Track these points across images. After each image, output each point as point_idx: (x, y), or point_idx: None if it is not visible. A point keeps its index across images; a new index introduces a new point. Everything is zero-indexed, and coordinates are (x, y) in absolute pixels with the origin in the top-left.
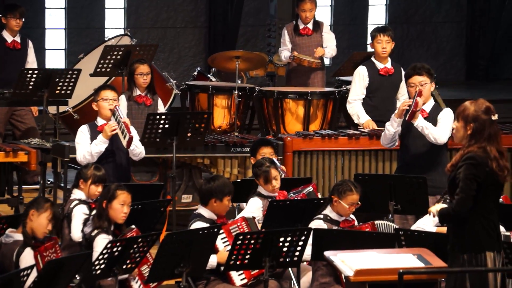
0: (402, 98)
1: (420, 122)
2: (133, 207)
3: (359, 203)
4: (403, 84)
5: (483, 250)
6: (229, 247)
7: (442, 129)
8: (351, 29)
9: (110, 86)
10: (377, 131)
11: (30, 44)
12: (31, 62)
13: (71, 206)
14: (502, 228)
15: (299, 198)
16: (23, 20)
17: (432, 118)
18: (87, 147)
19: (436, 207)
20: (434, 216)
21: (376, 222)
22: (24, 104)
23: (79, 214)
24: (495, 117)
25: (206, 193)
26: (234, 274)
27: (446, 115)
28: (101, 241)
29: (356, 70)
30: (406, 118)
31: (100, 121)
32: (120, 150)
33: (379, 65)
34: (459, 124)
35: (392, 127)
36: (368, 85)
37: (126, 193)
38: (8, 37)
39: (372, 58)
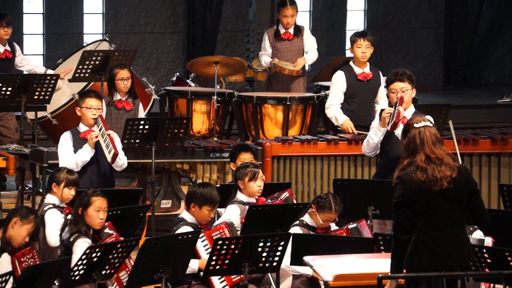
0: (381, 101)
1: (400, 131)
2: (112, 212)
3: (337, 219)
4: (381, 89)
5: (421, 269)
6: None
7: None
8: (330, 35)
9: (96, 93)
10: (356, 136)
11: (17, 47)
12: (25, 63)
13: (44, 209)
14: (479, 233)
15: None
16: (11, 27)
17: None
18: (71, 155)
19: None
20: None
21: None
22: (1, 109)
23: (51, 219)
24: (419, 124)
25: (189, 196)
26: (215, 280)
27: None
28: (81, 244)
29: (334, 75)
30: (389, 129)
31: (82, 128)
32: (103, 157)
33: (357, 70)
34: None
35: (377, 136)
36: (346, 90)
37: (101, 198)
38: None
39: (351, 63)
